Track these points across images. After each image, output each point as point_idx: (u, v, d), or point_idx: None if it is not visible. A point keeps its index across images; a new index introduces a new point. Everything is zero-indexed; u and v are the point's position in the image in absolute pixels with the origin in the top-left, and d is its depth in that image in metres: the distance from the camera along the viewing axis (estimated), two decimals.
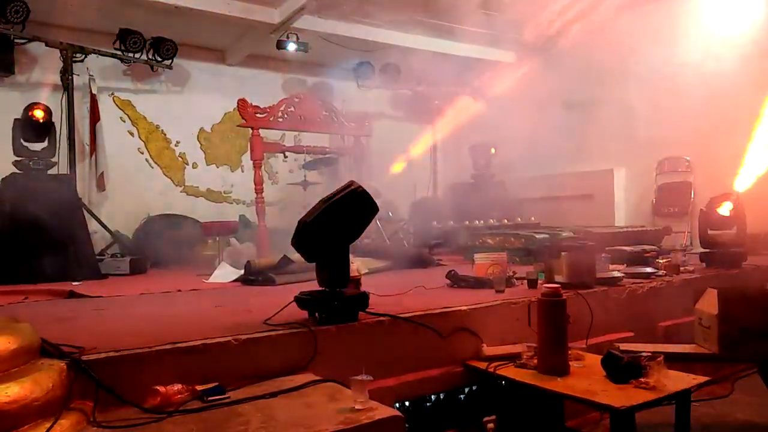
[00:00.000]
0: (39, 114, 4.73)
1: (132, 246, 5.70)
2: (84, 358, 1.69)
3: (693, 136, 5.90)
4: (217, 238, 5.72)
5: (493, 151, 7.59)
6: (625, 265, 3.80)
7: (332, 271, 2.22)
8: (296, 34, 6.35)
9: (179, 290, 3.66)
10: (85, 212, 5.18)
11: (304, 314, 2.24)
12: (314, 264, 2.28)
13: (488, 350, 2.46)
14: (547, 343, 2.20)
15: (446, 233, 6.05)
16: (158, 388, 1.70)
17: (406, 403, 2.21)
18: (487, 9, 6.35)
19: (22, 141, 4.67)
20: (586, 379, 2.13)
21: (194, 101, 7.03)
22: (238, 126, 5.92)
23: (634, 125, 6.41)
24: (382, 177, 7.61)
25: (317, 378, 1.96)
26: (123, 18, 5.85)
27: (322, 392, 1.85)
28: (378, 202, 2.28)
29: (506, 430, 2.34)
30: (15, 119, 4.75)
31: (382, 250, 4.92)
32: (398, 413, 1.72)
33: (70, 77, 5.60)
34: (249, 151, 5.79)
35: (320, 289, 2.25)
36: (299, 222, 2.21)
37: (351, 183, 2.22)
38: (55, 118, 5.15)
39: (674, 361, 2.32)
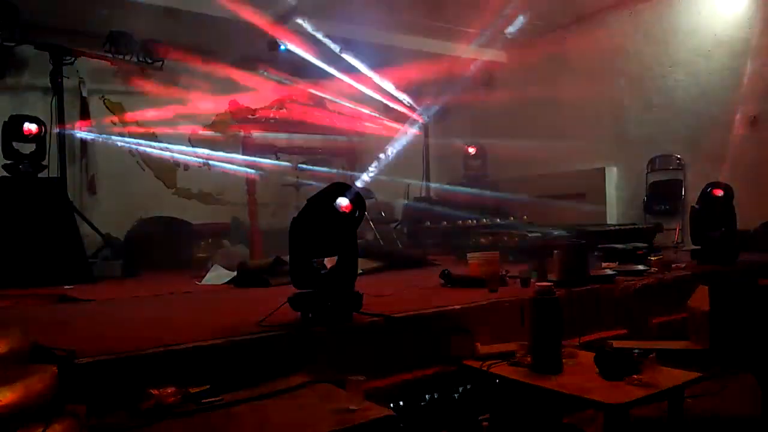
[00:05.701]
0: (32, 128, 4.69)
1: (124, 249, 5.66)
2: (76, 361, 1.68)
3: (684, 134, 5.94)
4: (210, 240, 5.70)
5: (472, 151, 7.64)
6: (618, 262, 3.81)
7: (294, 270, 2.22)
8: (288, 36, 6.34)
9: (172, 293, 3.64)
10: (77, 215, 5.14)
11: (298, 315, 2.23)
12: None
13: (482, 349, 2.46)
14: (541, 341, 2.21)
15: (440, 233, 6.07)
16: (151, 391, 1.69)
17: (401, 403, 2.21)
18: (478, 9, 6.37)
19: (12, 144, 4.63)
20: (579, 376, 2.14)
21: (185, 103, 7.00)
22: (230, 127, 5.92)
23: (625, 123, 6.45)
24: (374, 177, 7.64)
25: (311, 379, 1.96)
26: (113, 20, 5.82)
27: (316, 393, 1.85)
28: (369, 202, 2.29)
29: (501, 429, 2.34)
30: (4, 122, 4.71)
31: (375, 250, 4.92)
32: (393, 413, 1.72)
33: (59, 80, 5.56)
34: (241, 152, 5.78)
35: (313, 290, 2.25)
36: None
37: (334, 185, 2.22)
38: (46, 121, 5.11)
39: (667, 357, 2.33)
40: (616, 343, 2.56)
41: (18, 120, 4.67)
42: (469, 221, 6.16)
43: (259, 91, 7.02)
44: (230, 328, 2.14)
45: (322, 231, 2.21)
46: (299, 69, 7.50)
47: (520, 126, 7.56)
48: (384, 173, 7.63)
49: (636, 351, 2.13)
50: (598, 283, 3.18)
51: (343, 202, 2.14)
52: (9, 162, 4.55)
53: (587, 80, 6.81)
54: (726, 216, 4.11)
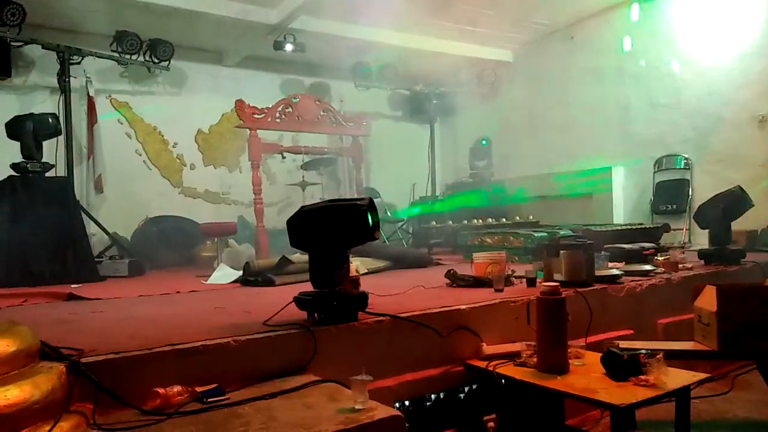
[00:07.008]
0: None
1: (130, 248, 5.69)
2: (83, 360, 1.68)
3: (691, 134, 5.92)
4: (216, 240, 5.71)
5: (484, 143, 7.62)
6: (624, 262, 3.80)
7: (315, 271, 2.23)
8: (293, 35, 6.35)
9: (178, 292, 3.65)
10: (84, 214, 5.17)
11: (304, 315, 2.23)
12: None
13: (488, 349, 2.46)
14: (547, 342, 2.20)
15: (445, 233, 6.06)
16: (158, 389, 1.69)
17: (406, 403, 2.21)
18: (484, 8, 6.36)
19: (34, 141, 4.65)
20: (585, 377, 2.13)
21: (192, 102, 7.03)
22: (235, 127, 5.93)
23: (632, 123, 6.43)
24: (380, 176, 7.65)
25: (317, 378, 1.96)
26: (120, 20, 5.84)
27: (322, 393, 1.85)
28: (375, 201, 2.28)
29: (506, 429, 2.34)
30: (33, 119, 4.72)
31: (381, 250, 4.91)
32: (398, 413, 1.72)
33: (66, 79, 5.60)
34: (247, 152, 5.79)
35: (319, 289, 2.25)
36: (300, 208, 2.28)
37: (364, 199, 2.20)
38: None
39: (674, 358, 2.32)
40: (622, 344, 2.56)
41: (46, 118, 4.75)
42: (475, 221, 6.15)
43: (265, 90, 7.03)
44: (236, 327, 2.14)
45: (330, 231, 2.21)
46: (305, 68, 7.52)
47: (526, 125, 7.55)
48: (389, 172, 7.65)
49: (643, 351, 2.12)
50: (605, 283, 3.17)
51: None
52: (17, 162, 4.57)
53: (593, 79, 6.79)
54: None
